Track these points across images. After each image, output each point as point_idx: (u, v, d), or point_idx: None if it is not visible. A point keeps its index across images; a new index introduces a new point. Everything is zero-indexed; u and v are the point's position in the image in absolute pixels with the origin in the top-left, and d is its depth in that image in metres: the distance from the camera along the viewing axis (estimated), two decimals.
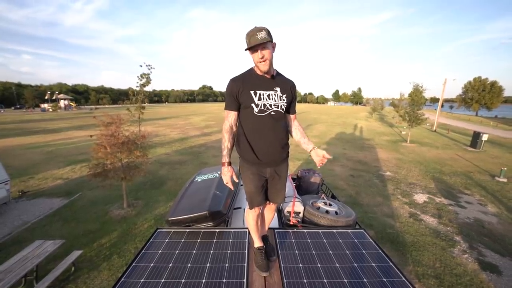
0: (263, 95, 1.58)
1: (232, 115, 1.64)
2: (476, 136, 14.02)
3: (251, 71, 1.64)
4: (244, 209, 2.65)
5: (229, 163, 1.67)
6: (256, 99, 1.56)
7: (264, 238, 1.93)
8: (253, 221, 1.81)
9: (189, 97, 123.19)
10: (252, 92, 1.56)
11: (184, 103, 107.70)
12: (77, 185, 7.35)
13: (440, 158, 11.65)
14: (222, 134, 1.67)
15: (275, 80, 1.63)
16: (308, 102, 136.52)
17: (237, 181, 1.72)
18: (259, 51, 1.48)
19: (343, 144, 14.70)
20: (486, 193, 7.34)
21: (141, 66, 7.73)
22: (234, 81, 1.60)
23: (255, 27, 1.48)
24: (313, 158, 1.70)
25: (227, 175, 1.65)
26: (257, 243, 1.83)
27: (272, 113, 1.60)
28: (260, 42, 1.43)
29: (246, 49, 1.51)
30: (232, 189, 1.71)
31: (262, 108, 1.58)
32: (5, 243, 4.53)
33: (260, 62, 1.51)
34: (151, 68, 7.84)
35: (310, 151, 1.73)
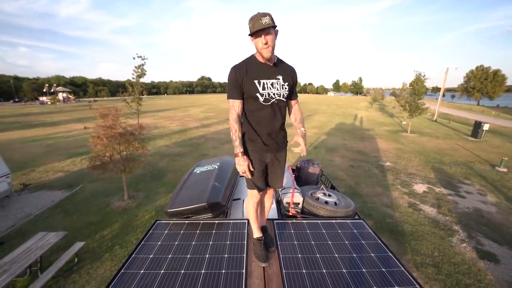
0: (266, 84, 1.56)
1: (237, 104, 1.60)
2: (477, 125, 13.93)
3: (252, 58, 1.60)
4: (243, 200, 2.64)
5: (243, 153, 1.61)
6: (260, 89, 1.55)
7: (263, 229, 1.93)
8: (253, 208, 1.82)
9: (188, 88, 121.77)
10: (256, 82, 1.54)
11: (183, 94, 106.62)
12: (78, 178, 7.38)
13: (441, 148, 11.63)
14: (230, 124, 1.61)
15: (277, 68, 1.61)
16: (308, 93, 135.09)
17: (253, 169, 1.65)
18: (262, 36, 1.44)
19: (343, 134, 14.64)
20: (486, 183, 7.36)
21: (134, 58, 7.71)
22: (236, 69, 1.56)
23: (259, 12, 1.44)
24: (296, 140, 1.61)
25: (243, 165, 1.59)
26: (256, 233, 1.84)
27: (276, 101, 1.60)
28: (264, 27, 1.40)
29: (249, 35, 1.48)
30: (250, 177, 1.66)
31: (267, 97, 1.57)
32: (9, 235, 4.59)
33: (263, 48, 1.48)
34: (145, 58, 7.82)
35: (298, 131, 1.65)
